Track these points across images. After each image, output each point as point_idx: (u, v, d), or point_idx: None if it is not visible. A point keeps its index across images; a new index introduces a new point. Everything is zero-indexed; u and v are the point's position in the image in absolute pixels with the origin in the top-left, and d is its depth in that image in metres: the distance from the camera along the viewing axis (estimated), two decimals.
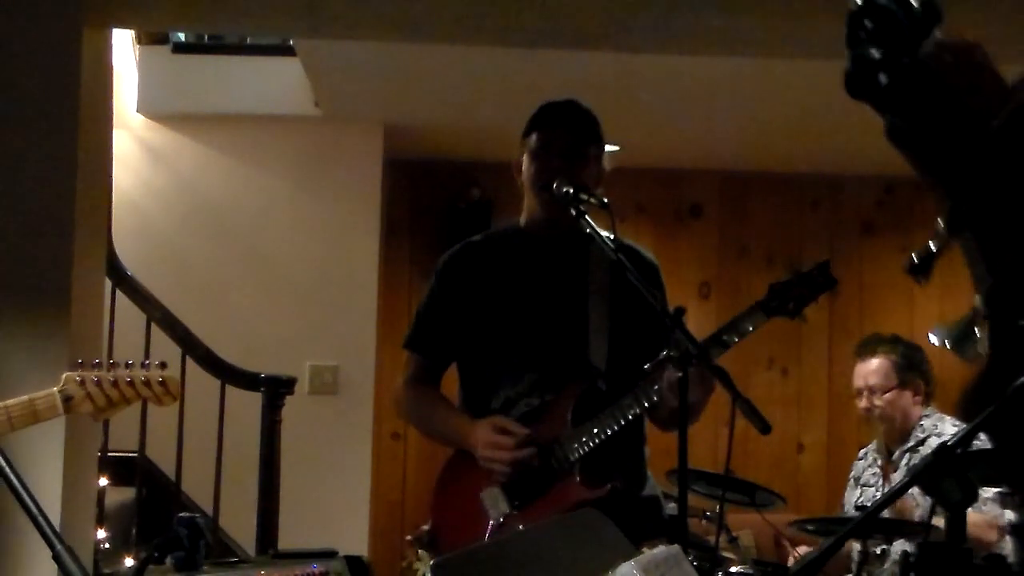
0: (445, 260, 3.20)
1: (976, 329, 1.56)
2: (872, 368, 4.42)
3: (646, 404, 2.90)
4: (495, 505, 2.98)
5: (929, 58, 1.38)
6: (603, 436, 2.94)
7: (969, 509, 3.79)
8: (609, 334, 3.06)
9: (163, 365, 2.77)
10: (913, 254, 1.51)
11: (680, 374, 2.67)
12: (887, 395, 4.36)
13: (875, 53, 1.40)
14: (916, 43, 1.39)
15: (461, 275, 3.16)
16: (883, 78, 1.40)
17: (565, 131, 3.04)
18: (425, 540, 3.11)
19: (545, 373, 3.04)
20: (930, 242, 1.52)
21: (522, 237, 3.16)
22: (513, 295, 3.10)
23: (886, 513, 3.88)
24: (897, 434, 4.39)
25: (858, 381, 4.47)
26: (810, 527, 4.19)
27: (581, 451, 2.95)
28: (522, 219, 3.18)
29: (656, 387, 2.86)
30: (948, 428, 4.30)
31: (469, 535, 2.92)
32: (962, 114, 1.38)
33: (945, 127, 1.40)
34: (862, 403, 4.45)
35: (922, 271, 1.51)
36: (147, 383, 2.72)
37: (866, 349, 4.49)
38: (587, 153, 3.05)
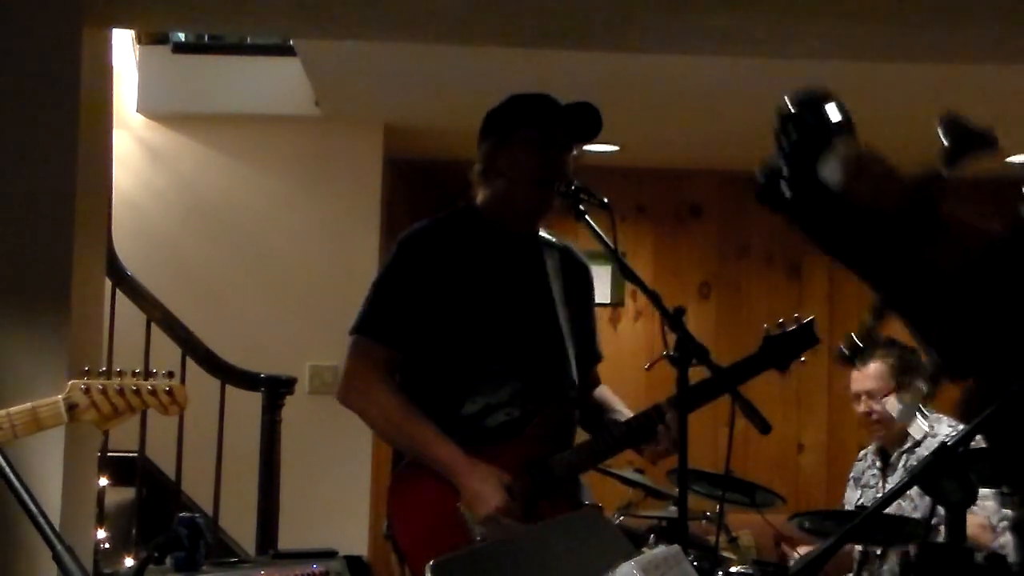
0: (410, 244, 3.00)
1: (922, 408, 1.70)
2: (869, 372, 4.41)
3: (639, 436, 2.91)
4: (476, 520, 2.86)
5: (828, 175, 1.45)
6: (594, 463, 2.96)
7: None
8: (574, 343, 3.06)
9: (170, 374, 2.75)
10: (842, 347, 1.57)
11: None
12: (885, 399, 4.36)
13: (783, 168, 1.48)
14: (816, 158, 1.47)
15: (430, 261, 2.97)
16: (787, 192, 1.49)
17: (567, 128, 2.97)
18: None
19: (528, 383, 2.95)
20: (854, 335, 1.58)
21: (486, 228, 3.02)
22: (488, 294, 2.98)
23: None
24: (895, 437, 4.39)
25: (855, 385, 4.46)
26: (809, 521, 4.19)
27: (571, 475, 2.93)
28: (484, 206, 3.03)
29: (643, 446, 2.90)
30: (944, 428, 4.30)
31: (445, 548, 2.78)
32: (863, 219, 1.44)
33: (849, 233, 1.47)
34: (860, 408, 4.44)
35: (852, 360, 1.57)
36: (153, 392, 2.69)
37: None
38: (573, 146, 3.00)
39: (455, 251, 3.00)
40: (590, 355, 3.18)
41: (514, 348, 2.97)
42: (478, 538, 2.86)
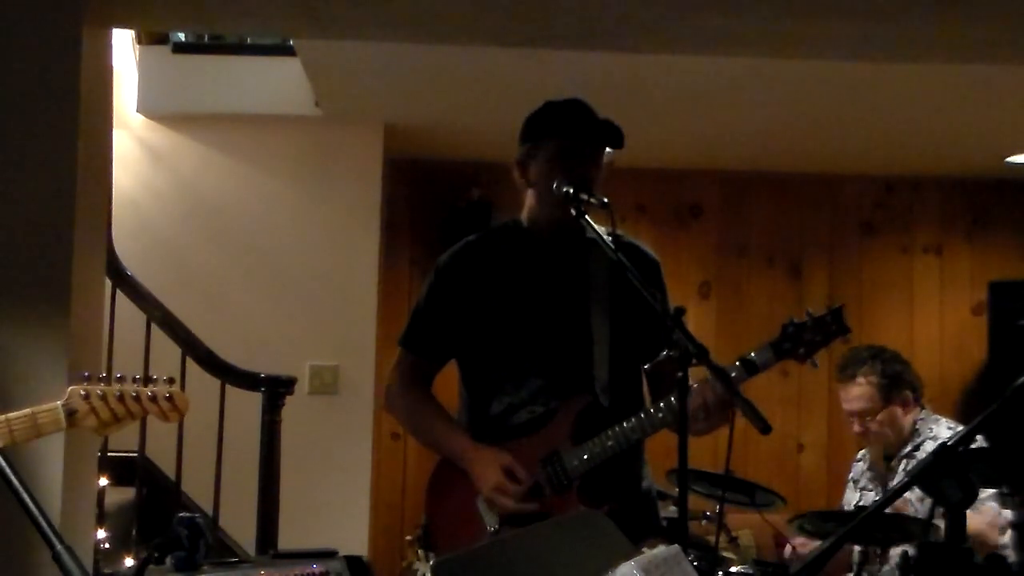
0: (446, 260, 3.16)
1: None
2: (855, 395, 4.36)
3: (651, 431, 2.91)
4: (490, 513, 2.97)
5: None
6: (604, 457, 2.93)
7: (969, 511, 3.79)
8: (610, 343, 3.05)
9: (171, 380, 2.73)
10: None
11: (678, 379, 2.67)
12: (878, 417, 4.33)
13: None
14: None
15: (463, 275, 3.12)
16: None
17: (589, 138, 3.01)
18: (421, 538, 3.10)
19: (550, 381, 3.02)
20: None
21: (525, 237, 3.13)
22: (516, 298, 3.08)
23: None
24: (895, 446, 4.38)
25: (845, 405, 4.43)
26: (809, 523, 4.18)
27: (581, 469, 2.94)
28: (524, 218, 3.15)
29: (667, 412, 2.87)
30: (943, 431, 4.29)
31: (464, 537, 2.92)
32: None
33: None
34: (855, 427, 4.41)
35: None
36: (154, 399, 2.68)
37: (845, 373, 4.40)
38: (601, 159, 3.04)
39: (484, 264, 3.12)
40: (657, 349, 3.13)
41: (535, 347, 3.04)
42: (491, 530, 2.94)
